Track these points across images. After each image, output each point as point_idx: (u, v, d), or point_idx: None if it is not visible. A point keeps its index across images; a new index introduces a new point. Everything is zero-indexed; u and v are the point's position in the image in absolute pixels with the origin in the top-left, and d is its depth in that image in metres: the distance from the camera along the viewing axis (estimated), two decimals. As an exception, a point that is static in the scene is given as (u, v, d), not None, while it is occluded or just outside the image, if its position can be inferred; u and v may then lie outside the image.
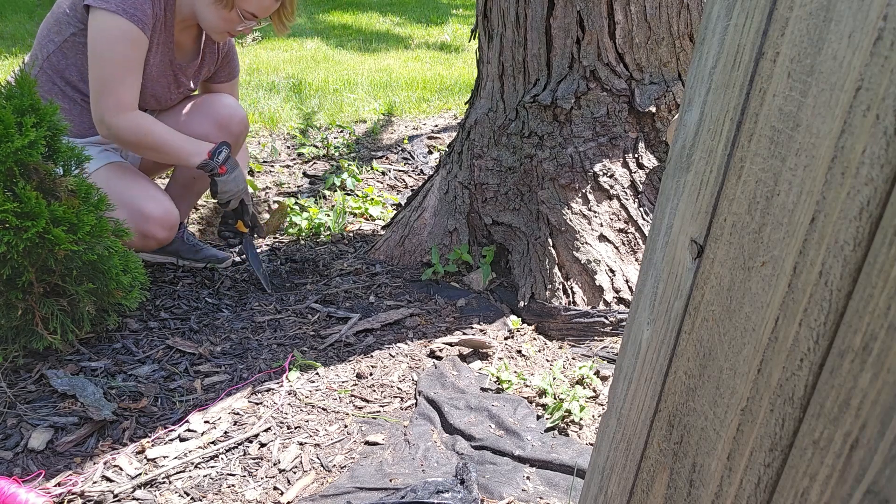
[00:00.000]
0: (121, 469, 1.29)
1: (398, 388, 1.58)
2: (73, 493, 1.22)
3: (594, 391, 1.57)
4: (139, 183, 1.85)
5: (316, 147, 3.17)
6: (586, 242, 1.87)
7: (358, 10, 7.18)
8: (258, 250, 2.20)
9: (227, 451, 1.36)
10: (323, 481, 1.29)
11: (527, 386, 1.59)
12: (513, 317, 1.87)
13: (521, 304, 1.89)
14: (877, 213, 0.34)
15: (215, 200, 1.93)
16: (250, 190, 1.95)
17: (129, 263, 1.61)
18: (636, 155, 1.94)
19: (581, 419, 1.47)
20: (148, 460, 1.32)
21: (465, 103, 2.29)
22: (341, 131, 3.41)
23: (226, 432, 1.40)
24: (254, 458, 1.34)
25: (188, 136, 1.85)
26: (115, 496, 1.22)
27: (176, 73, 1.91)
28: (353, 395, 1.54)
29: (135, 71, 1.72)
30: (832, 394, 0.37)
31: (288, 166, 2.98)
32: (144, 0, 1.68)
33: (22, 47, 4.75)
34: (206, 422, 1.43)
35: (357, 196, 2.68)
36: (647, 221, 1.90)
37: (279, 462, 1.33)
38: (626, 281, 1.84)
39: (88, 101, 1.79)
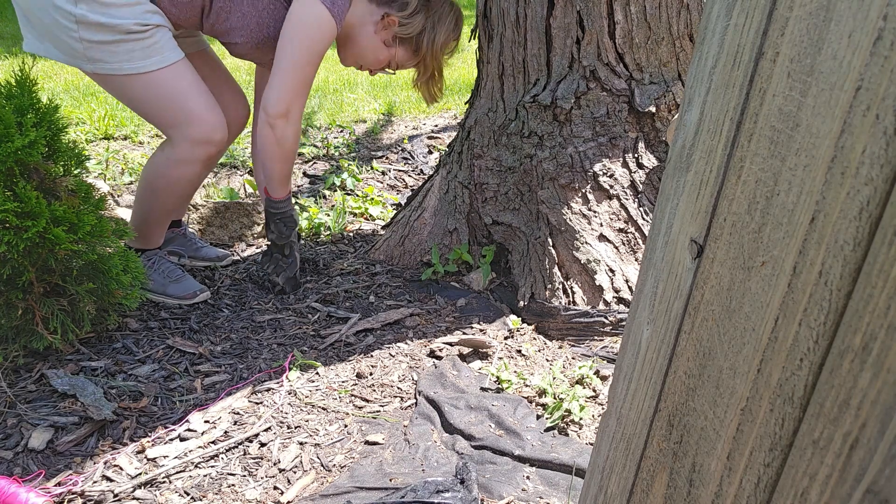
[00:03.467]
0: (121, 469, 1.29)
1: (398, 388, 1.58)
2: (73, 493, 1.22)
3: (594, 391, 1.57)
4: (203, 89, 1.71)
5: (316, 147, 3.17)
6: (586, 242, 1.87)
7: (358, 9, 7.18)
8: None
9: (227, 450, 1.36)
10: (323, 481, 1.29)
11: (527, 386, 1.59)
12: (513, 316, 1.87)
13: (521, 303, 1.89)
14: (877, 213, 0.34)
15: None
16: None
17: (129, 263, 1.61)
18: (636, 155, 1.94)
19: (581, 419, 1.47)
20: (148, 460, 1.32)
21: (465, 103, 2.29)
22: (341, 131, 3.41)
23: (226, 432, 1.40)
24: (254, 458, 1.34)
25: None
26: (115, 496, 1.22)
27: None
28: (353, 395, 1.54)
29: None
30: (832, 394, 0.37)
31: (288, 166, 2.98)
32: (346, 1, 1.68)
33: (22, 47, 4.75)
34: (207, 421, 1.43)
35: (357, 196, 2.68)
36: (647, 221, 1.90)
37: (279, 462, 1.33)
38: (626, 281, 1.84)
39: None
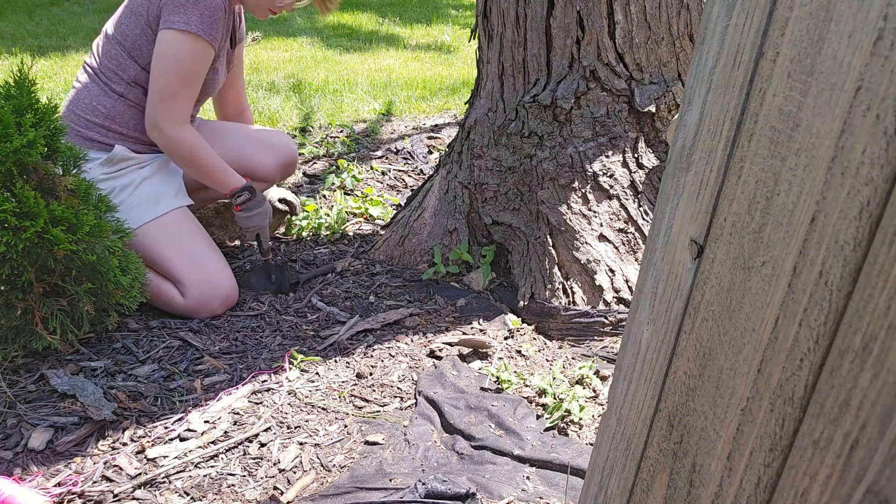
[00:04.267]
0: (121, 469, 1.29)
1: (398, 388, 1.58)
2: (73, 493, 1.22)
3: (594, 391, 1.57)
4: (211, 246, 1.89)
5: (316, 147, 3.17)
6: (586, 242, 1.87)
7: (358, 10, 7.18)
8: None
9: (227, 450, 1.36)
10: (323, 481, 1.29)
11: (527, 386, 1.59)
12: (513, 316, 1.87)
13: (521, 303, 1.89)
14: (877, 213, 0.34)
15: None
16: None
17: (128, 264, 1.61)
18: (636, 155, 1.94)
19: (581, 419, 1.47)
20: (148, 460, 1.32)
21: (465, 103, 2.29)
22: (341, 131, 3.41)
23: (226, 432, 1.40)
24: (254, 458, 1.34)
25: (245, 162, 2.05)
26: (115, 496, 1.22)
27: (228, 58, 1.99)
28: (352, 395, 1.54)
29: (198, 84, 1.80)
30: (832, 394, 0.37)
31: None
32: (218, 10, 1.73)
33: (22, 47, 4.75)
34: (206, 421, 1.43)
35: (357, 196, 2.68)
36: (647, 221, 1.90)
37: (279, 462, 1.33)
38: (626, 281, 1.84)
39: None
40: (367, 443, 1.39)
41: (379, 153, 3.17)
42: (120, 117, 1.83)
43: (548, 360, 1.71)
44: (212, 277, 1.81)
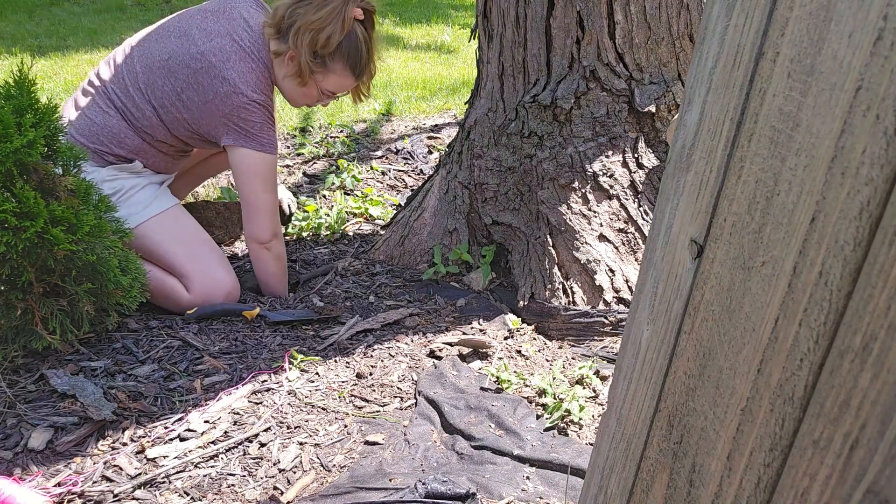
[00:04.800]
0: (121, 469, 1.29)
1: (398, 388, 1.58)
2: (72, 493, 1.22)
3: (594, 391, 1.57)
4: (208, 240, 1.91)
5: (316, 147, 3.17)
6: (586, 242, 1.87)
7: (358, 9, 7.18)
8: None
9: (226, 450, 1.36)
10: (323, 481, 1.29)
11: (527, 386, 1.59)
12: (512, 316, 1.87)
13: (521, 303, 1.89)
14: (877, 213, 0.34)
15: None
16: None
17: (128, 264, 1.61)
18: (636, 155, 1.94)
19: (581, 419, 1.47)
20: (148, 460, 1.32)
21: (465, 103, 2.29)
22: (341, 131, 3.41)
23: (226, 432, 1.40)
24: (254, 458, 1.34)
25: None
26: (115, 496, 1.22)
27: None
28: (352, 395, 1.54)
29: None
30: (832, 394, 0.37)
31: (288, 166, 2.98)
32: (273, 122, 1.82)
33: (22, 47, 4.75)
34: (206, 421, 1.43)
35: (357, 196, 2.68)
36: (647, 221, 1.90)
37: (279, 462, 1.33)
38: (626, 281, 1.84)
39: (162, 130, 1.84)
40: (367, 443, 1.39)
41: (379, 153, 3.17)
42: (144, 153, 1.85)
43: (548, 360, 1.71)
44: (215, 270, 1.83)
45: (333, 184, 2.75)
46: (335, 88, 1.88)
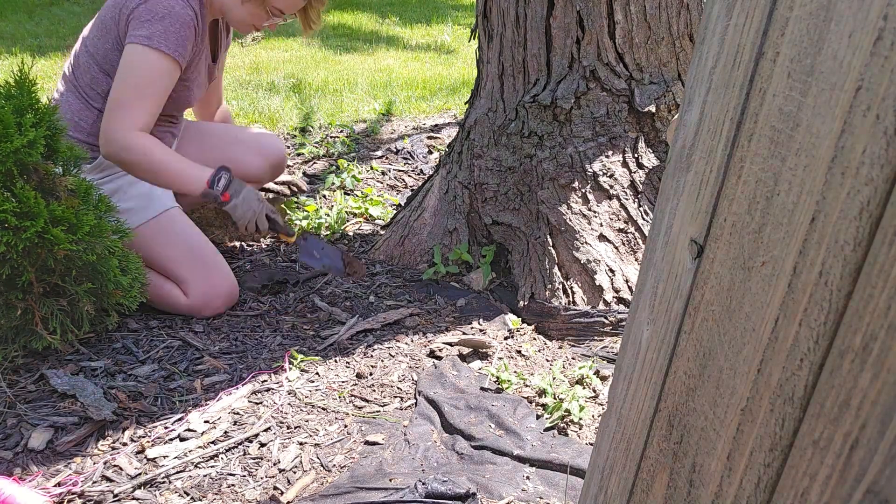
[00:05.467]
0: (121, 469, 1.29)
1: (398, 388, 1.58)
2: (72, 493, 1.22)
3: (594, 391, 1.57)
4: (208, 244, 1.87)
5: (316, 147, 3.17)
6: (586, 242, 1.87)
7: (358, 10, 7.18)
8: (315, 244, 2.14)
9: (227, 450, 1.36)
10: (323, 481, 1.29)
11: (527, 386, 1.59)
12: (512, 316, 1.87)
13: (521, 303, 1.89)
14: (877, 213, 0.34)
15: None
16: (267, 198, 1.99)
17: (128, 264, 1.61)
18: (636, 155, 1.94)
19: (581, 419, 1.47)
20: (148, 460, 1.32)
21: (465, 103, 2.29)
22: (341, 131, 3.41)
23: (226, 432, 1.40)
24: (254, 458, 1.34)
25: (232, 165, 1.89)
26: (115, 496, 1.22)
27: (209, 71, 1.98)
28: (353, 395, 1.54)
29: (161, 99, 1.72)
30: (832, 394, 0.37)
31: (288, 166, 2.98)
32: (186, 27, 1.68)
33: (22, 47, 4.75)
34: (206, 421, 1.43)
35: (357, 196, 2.68)
36: (647, 221, 1.90)
37: (279, 462, 1.33)
38: (626, 281, 1.84)
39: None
40: (367, 443, 1.39)
41: (379, 153, 3.17)
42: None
43: (548, 360, 1.71)
44: (214, 274, 1.81)
45: (333, 184, 2.76)
46: (284, 6, 1.78)
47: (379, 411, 1.50)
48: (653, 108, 1.90)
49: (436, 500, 1.17)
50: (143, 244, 1.77)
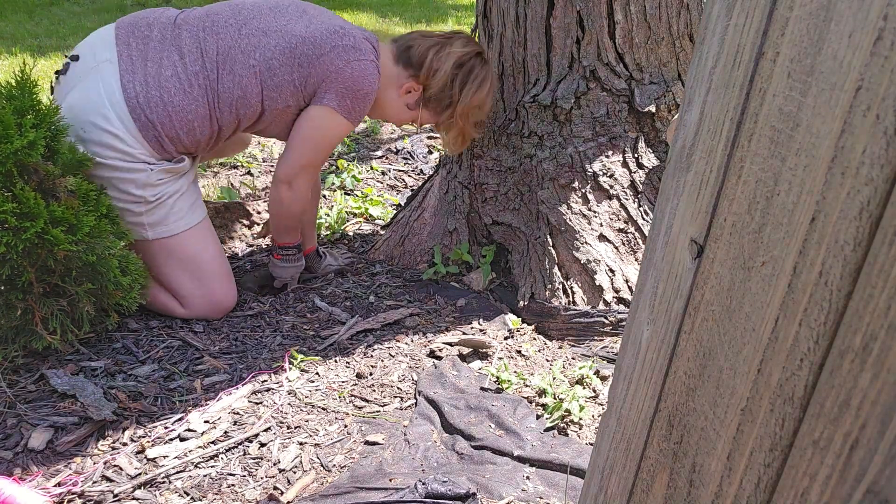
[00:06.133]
0: (121, 469, 1.29)
1: (398, 388, 1.58)
2: (72, 493, 1.22)
3: (594, 391, 1.57)
4: (218, 258, 1.83)
5: (316, 147, 3.17)
6: (586, 242, 1.87)
7: (358, 10, 7.19)
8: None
9: (227, 450, 1.36)
10: (323, 481, 1.29)
11: (527, 386, 1.59)
12: (512, 316, 1.87)
13: (521, 303, 1.89)
14: (877, 213, 0.34)
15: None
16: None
17: (128, 265, 1.61)
18: (636, 155, 1.94)
19: (581, 419, 1.47)
20: (148, 460, 1.32)
21: (465, 103, 2.29)
22: (341, 131, 3.40)
23: (226, 432, 1.40)
24: (254, 458, 1.34)
25: None
26: (115, 496, 1.22)
27: None
28: (353, 395, 1.54)
29: None
30: (832, 394, 0.37)
31: (288, 166, 2.98)
32: (369, 98, 1.75)
33: (22, 47, 4.75)
34: (206, 421, 1.43)
35: (357, 196, 2.68)
36: (647, 221, 1.90)
37: (279, 462, 1.33)
38: (626, 281, 1.84)
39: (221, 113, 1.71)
40: (367, 443, 1.39)
41: (379, 153, 3.17)
42: (201, 142, 1.70)
43: (548, 360, 1.71)
44: (214, 294, 1.79)
45: (333, 184, 2.76)
46: (428, 121, 1.91)
47: (379, 411, 1.50)
48: (653, 108, 1.90)
49: (436, 500, 1.17)
50: (148, 257, 1.74)
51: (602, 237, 1.88)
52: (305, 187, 1.82)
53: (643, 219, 1.90)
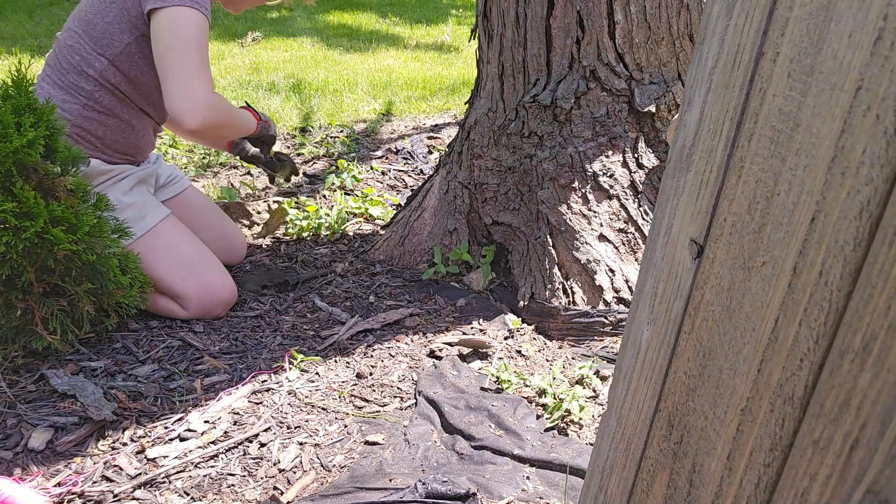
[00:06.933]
0: (121, 469, 1.29)
1: (398, 388, 1.58)
2: (72, 493, 1.22)
3: (594, 391, 1.57)
4: (202, 249, 1.84)
5: (316, 147, 3.17)
6: (586, 242, 1.87)
7: (358, 10, 7.18)
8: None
9: (227, 450, 1.36)
10: (323, 481, 1.29)
11: (527, 386, 1.59)
12: (512, 316, 1.87)
13: (521, 303, 1.89)
14: (877, 213, 0.34)
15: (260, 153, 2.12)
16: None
17: (128, 263, 1.61)
18: (636, 155, 1.94)
19: (581, 419, 1.47)
20: (148, 460, 1.32)
21: (465, 103, 2.29)
22: (341, 131, 3.41)
23: (226, 432, 1.40)
24: (254, 458, 1.34)
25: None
26: (115, 496, 1.22)
27: None
28: (353, 395, 1.54)
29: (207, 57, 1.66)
30: (832, 394, 0.37)
31: (288, 166, 2.98)
32: None
33: (22, 47, 4.75)
34: (206, 421, 1.43)
35: (357, 196, 2.68)
36: (647, 221, 1.90)
37: (279, 462, 1.33)
38: (626, 281, 1.84)
39: (132, 115, 1.75)
40: (367, 443, 1.39)
41: (379, 153, 3.17)
42: (89, 125, 1.70)
43: (548, 360, 1.71)
44: (211, 285, 1.78)
45: (333, 184, 2.76)
46: None
47: (379, 411, 1.50)
48: (653, 108, 1.90)
49: (436, 501, 1.17)
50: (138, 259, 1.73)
51: (602, 237, 1.88)
52: (213, 96, 1.62)
53: (643, 219, 1.90)
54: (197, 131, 1.61)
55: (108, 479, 1.26)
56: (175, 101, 1.57)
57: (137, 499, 1.23)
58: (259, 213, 2.50)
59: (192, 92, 1.57)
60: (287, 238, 2.36)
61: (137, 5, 1.63)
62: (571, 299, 1.84)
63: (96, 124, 1.72)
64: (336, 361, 1.67)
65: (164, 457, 1.32)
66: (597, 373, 1.62)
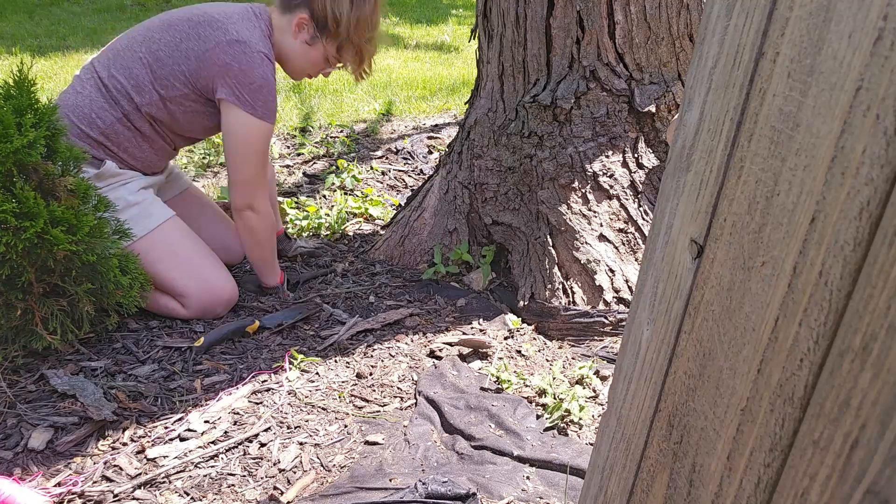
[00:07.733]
0: (121, 469, 1.29)
1: (398, 388, 1.58)
2: (72, 493, 1.22)
3: (594, 391, 1.57)
4: (204, 249, 1.86)
5: (316, 147, 3.17)
6: (586, 242, 1.87)
7: (358, 9, 7.17)
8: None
9: (227, 450, 1.36)
10: (323, 481, 1.29)
11: (526, 386, 1.59)
12: (512, 316, 1.87)
13: (521, 303, 1.89)
14: (877, 213, 0.34)
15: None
16: None
17: (128, 264, 1.61)
18: (636, 155, 1.94)
19: (581, 419, 1.47)
20: (148, 460, 1.32)
21: (465, 103, 2.29)
22: (341, 131, 3.41)
23: (226, 432, 1.40)
24: (254, 458, 1.34)
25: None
26: (115, 496, 1.22)
27: None
28: (353, 395, 1.54)
29: None
30: (832, 394, 0.37)
31: (288, 166, 2.98)
32: (274, 91, 1.76)
33: (22, 47, 4.75)
34: (206, 421, 1.43)
35: (357, 196, 2.68)
36: (647, 221, 1.90)
37: (279, 462, 1.33)
38: (626, 281, 1.84)
39: (160, 135, 1.82)
40: (367, 443, 1.39)
41: (379, 153, 3.17)
42: (115, 136, 1.75)
43: (548, 360, 1.71)
44: (212, 285, 1.79)
45: (333, 184, 2.76)
46: (350, 56, 1.87)
47: (379, 411, 1.50)
48: (653, 108, 1.90)
49: (436, 501, 1.17)
50: (139, 259, 1.73)
51: (602, 237, 1.88)
52: (265, 203, 1.84)
53: (643, 219, 1.90)
54: (238, 221, 1.85)
55: (108, 479, 1.26)
56: (237, 200, 1.81)
57: (137, 499, 1.23)
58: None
59: (252, 199, 1.81)
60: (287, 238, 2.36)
61: (211, 82, 1.72)
62: (571, 299, 1.84)
63: (123, 138, 1.77)
64: (336, 361, 1.67)
65: (164, 457, 1.32)
66: (597, 373, 1.62)
